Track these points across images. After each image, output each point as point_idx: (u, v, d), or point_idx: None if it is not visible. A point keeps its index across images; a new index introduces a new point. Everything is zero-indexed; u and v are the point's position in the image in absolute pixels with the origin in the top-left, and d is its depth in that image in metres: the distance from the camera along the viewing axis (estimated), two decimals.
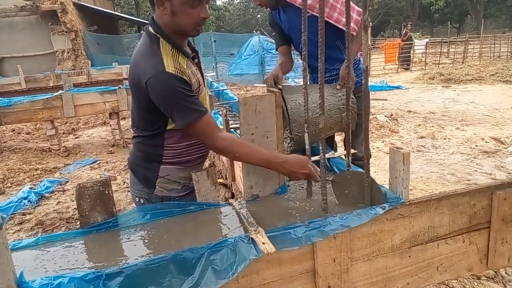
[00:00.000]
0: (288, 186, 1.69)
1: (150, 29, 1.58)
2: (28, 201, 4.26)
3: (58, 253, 1.33)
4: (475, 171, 4.53)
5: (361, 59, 2.59)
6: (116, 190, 4.39)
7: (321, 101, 1.34)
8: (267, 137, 1.55)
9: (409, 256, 1.40)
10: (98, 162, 5.64)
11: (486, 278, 2.29)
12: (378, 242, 1.35)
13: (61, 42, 15.28)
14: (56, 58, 15.31)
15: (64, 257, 1.31)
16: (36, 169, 5.47)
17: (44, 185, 4.67)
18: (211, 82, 6.38)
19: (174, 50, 1.55)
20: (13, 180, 5.06)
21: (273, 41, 2.71)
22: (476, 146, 5.50)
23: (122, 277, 1.15)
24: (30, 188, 4.59)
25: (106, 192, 1.46)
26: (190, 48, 1.69)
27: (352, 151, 1.70)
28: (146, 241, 1.37)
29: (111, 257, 1.28)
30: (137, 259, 1.24)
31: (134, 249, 1.32)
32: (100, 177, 1.58)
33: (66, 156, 6.13)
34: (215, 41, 15.15)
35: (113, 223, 1.48)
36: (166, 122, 1.60)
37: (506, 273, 2.43)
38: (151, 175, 1.69)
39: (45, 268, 1.25)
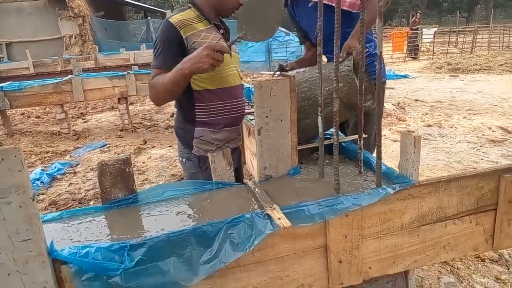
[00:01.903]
0: (301, 168, 1.75)
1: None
2: (41, 182, 4.35)
3: (83, 226, 1.40)
4: (482, 159, 4.56)
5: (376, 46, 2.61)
6: None
7: (336, 85, 1.39)
8: (281, 120, 1.60)
9: (418, 235, 1.45)
10: (107, 145, 5.72)
11: (490, 261, 2.35)
12: (388, 221, 1.41)
13: (69, 27, 15.29)
14: (63, 43, 15.34)
15: (88, 229, 1.38)
16: (47, 152, 5.57)
17: (55, 167, 4.76)
18: None
19: (198, 16, 1.77)
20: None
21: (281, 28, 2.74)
22: (483, 135, 5.52)
23: (145, 248, 1.22)
24: (42, 170, 4.69)
25: (127, 170, 1.52)
26: (223, 26, 1.90)
27: (364, 135, 1.74)
28: (166, 216, 1.43)
29: (133, 230, 1.35)
30: (158, 232, 1.30)
31: (155, 223, 1.39)
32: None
33: (75, 140, 6.22)
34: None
35: (133, 199, 1.55)
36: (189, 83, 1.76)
37: (510, 256, 2.49)
38: (188, 136, 1.88)
39: (71, 239, 1.32)
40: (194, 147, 1.88)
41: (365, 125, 2.23)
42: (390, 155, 4.91)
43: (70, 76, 6.31)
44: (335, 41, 1.37)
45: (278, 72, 2.19)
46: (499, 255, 2.42)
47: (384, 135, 5.81)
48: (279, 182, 1.63)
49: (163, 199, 1.56)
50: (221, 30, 1.86)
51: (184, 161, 1.94)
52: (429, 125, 6.06)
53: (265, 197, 1.42)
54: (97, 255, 1.18)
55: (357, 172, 1.64)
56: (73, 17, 14.94)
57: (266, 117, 1.58)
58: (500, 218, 1.49)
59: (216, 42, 1.75)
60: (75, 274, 1.17)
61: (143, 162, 4.82)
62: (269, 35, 1.65)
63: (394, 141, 5.49)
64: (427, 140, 5.40)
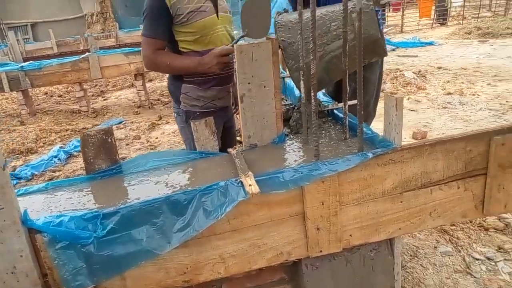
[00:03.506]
0: (287, 135, 1.71)
1: None
2: (58, 159, 4.49)
3: (64, 197, 1.43)
4: None
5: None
6: (140, 148, 4.54)
7: (313, 46, 1.33)
8: (264, 86, 1.56)
9: (401, 202, 1.40)
10: (124, 122, 5.82)
11: (494, 230, 2.26)
12: (369, 187, 1.36)
13: (90, 5, 15.41)
14: (85, 21, 15.51)
15: (69, 199, 1.40)
16: (67, 130, 5.71)
17: (73, 144, 4.88)
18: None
19: None
20: (45, 140, 5.32)
21: None
22: (506, 102, 5.26)
23: (118, 217, 1.23)
24: (60, 147, 4.83)
25: (109, 140, 1.53)
26: None
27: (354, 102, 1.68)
28: (146, 185, 1.44)
29: (111, 200, 1.36)
30: (134, 201, 1.31)
31: (134, 193, 1.39)
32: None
33: (94, 117, 6.35)
34: None
35: (117, 169, 1.56)
36: (175, 44, 1.88)
37: None
38: (177, 92, 1.98)
39: (51, 209, 1.35)
40: (182, 102, 1.97)
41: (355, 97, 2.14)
42: (406, 124, 4.76)
43: (87, 53, 6.39)
44: None
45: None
46: (505, 224, 2.33)
47: None
48: (263, 150, 1.60)
49: (146, 169, 1.57)
50: None
51: (175, 116, 2.07)
52: (449, 93, 5.81)
53: (243, 165, 1.39)
54: (71, 224, 1.20)
55: (343, 138, 1.59)
56: None
57: (249, 83, 1.54)
58: (490, 183, 1.41)
59: (201, 5, 1.82)
60: (49, 242, 1.20)
61: (156, 138, 4.88)
62: (265, 34, 1.78)
63: (412, 110, 5.32)
64: (445, 109, 5.20)
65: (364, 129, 1.44)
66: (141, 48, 1.90)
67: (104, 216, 1.23)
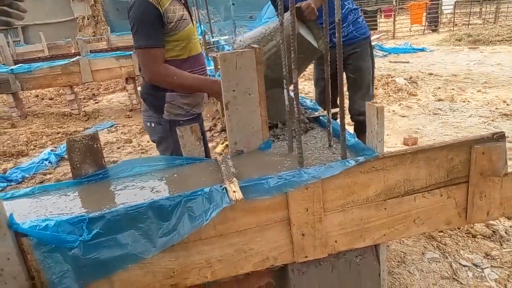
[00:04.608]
0: (273, 141, 1.73)
1: None
2: (49, 162, 4.47)
3: (51, 201, 1.44)
4: None
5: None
6: (131, 152, 4.54)
7: (294, 55, 1.35)
8: (249, 94, 1.58)
9: (385, 209, 1.43)
10: (115, 125, 5.81)
11: (482, 237, 2.29)
12: (352, 194, 1.38)
13: (81, 8, 15.39)
14: (77, 25, 15.47)
15: (55, 204, 1.41)
16: (58, 133, 5.69)
17: (64, 147, 4.86)
18: (223, 45, 6.35)
19: None
20: (36, 143, 5.30)
21: None
22: (496, 109, 5.34)
23: (104, 221, 1.24)
24: (51, 150, 4.81)
25: (95, 145, 1.54)
26: None
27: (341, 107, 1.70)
28: (132, 190, 1.45)
29: (97, 204, 1.37)
30: (120, 205, 1.32)
31: (120, 198, 1.41)
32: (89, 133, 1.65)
33: (85, 121, 6.34)
34: (233, 4, 14.82)
35: (103, 174, 1.57)
36: None
37: (506, 232, 2.43)
38: (159, 101, 1.93)
39: (37, 213, 1.35)
40: (165, 111, 1.94)
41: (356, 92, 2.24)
42: (397, 130, 4.82)
43: (77, 57, 6.37)
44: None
45: None
46: (493, 231, 2.36)
47: (393, 110, 5.70)
48: (249, 156, 1.62)
49: (133, 174, 1.58)
50: (182, 1, 1.91)
51: (153, 125, 2.01)
52: (440, 100, 5.88)
53: (228, 172, 1.41)
54: (56, 228, 1.21)
55: (328, 145, 1.61)
56: None
57: (233, 90, 1.56)
58: (472, 190, 1.44)
59: (183, 13, 1.85)
60: (36, 246, 1.21)
61: (148, 141, 4.87)
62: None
63: (403, 116, 5.37)
64: (436, 115, 5.25)
65: (348, 136, 1.46)
66: (142, 62, 1.83)
67: (90, 220, 1.23)
